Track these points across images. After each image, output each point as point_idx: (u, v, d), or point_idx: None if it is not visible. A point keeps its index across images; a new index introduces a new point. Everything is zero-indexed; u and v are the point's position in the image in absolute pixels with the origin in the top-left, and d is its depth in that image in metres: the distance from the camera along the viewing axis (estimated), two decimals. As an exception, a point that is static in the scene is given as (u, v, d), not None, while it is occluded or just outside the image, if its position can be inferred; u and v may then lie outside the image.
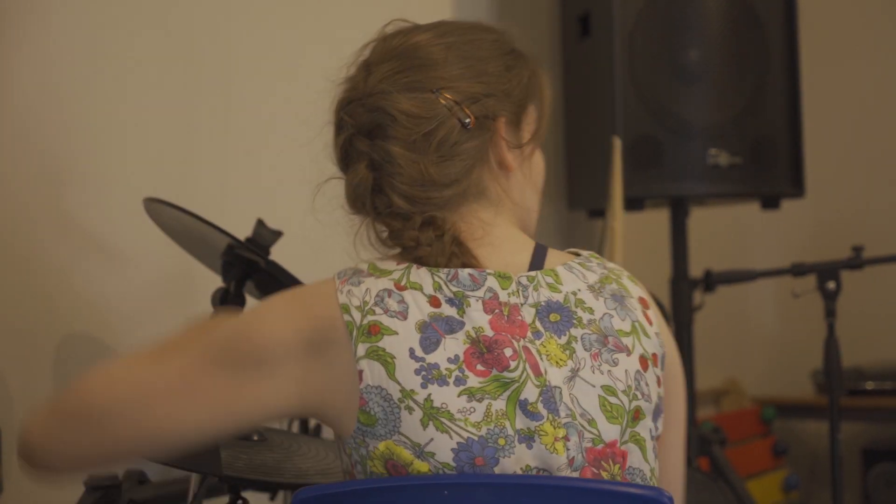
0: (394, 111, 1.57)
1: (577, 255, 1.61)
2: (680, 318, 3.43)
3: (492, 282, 1.51)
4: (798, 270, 3.01)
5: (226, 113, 2.90)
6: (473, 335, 1.48)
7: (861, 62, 4.73)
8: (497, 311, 1.50)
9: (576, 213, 3.81)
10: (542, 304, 1.51)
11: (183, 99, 2.81)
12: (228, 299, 2.19)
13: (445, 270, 1.50)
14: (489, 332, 1.48)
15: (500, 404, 1.46)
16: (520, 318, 1.50)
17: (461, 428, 1.45)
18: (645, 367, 1.53)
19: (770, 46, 3.39)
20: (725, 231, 4.48)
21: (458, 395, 1.45)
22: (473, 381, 1.46)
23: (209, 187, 2.82)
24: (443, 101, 1.56)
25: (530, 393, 1.47)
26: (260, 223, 2.30)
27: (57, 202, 2.55)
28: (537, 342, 1.49)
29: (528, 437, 1.46)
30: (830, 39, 4.63)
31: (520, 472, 1.46)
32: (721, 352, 4.51)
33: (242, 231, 2.24)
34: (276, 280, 2.18)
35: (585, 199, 3.60)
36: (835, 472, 2.88)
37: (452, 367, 1.46)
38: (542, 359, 1.48)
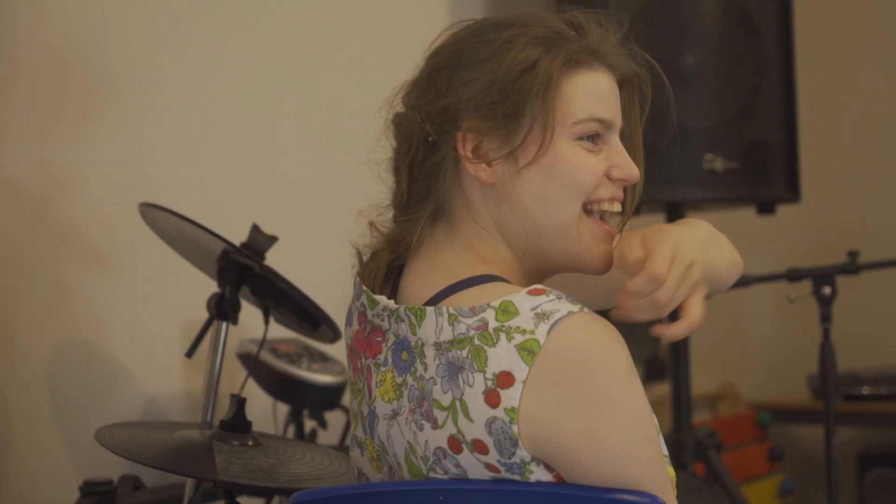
0: (394, 130, 1.57)
1: (543, 293, 1.40)
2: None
3: (364, 298, 1.53)
4: (794, 275, 3.00)
5: (222, 118, 2.90)
6: (351, 336, 1.59)
7: (857, 66, 4.73)
8: (363, 325, 1.54)
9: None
10: (400, 338, 1.47)
11: (179, 104, 2.81)
12: (223, 304, 2.20)
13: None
14: (354, 342, 1.57)
15: (355, 404, 1.55)
16: (378, 339, 1.51)
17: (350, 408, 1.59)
18: (457, 450, 1.39)
19: (766, 51, 3.39)
20: (721, 236, 4.47)
21: (349, 379, 1.60)
22: (351, 374, 1.58)
23: (205, 192, 2.82)
24: (416, 119, 1.51)
25: (364, 408, 1.52)
26: (255, 228, 2.30)
27: (52, 208, 2.55)
28: (382, 369, 1.49)
29: (360, 445, 1.54)
30: (826, 44, 4.63)
31: (356, 472, 1.58)
32: (717, 357, 4.50)
33: (238, 236, 2.24)
34: (272, 285, 2.18)
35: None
36: (830, 477, 2.88)
37: (348, 353, 1.61)
38: (376, 385, 1.49)
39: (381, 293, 1.53)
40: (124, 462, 2.26)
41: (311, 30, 3.15)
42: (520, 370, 1.35)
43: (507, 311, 1.39)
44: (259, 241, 2.27)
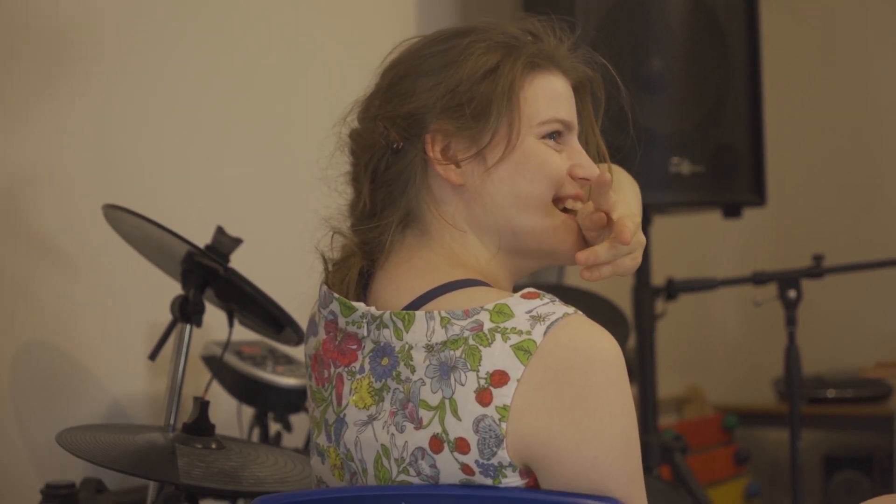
0: (351, 145, 1.60)
1: (537, 296, 1.43)
2: (642, 326, 3.43)
3: (335, 306, 1.54)
4: (759, 279, 3.02)
5: (186, 120, 2.89)
6: (316, 345, 1.59)
7: (823, 71, 4.76)
8: (332, 334, 1.55)
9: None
10: (381, 344, 1.48)
11: (144, 106, 2.79)
12: (187, 307, 2.18)
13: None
14: (321, 350, 1.57)
15: (317, 413, 1.56)
16: (352, 347, 1.52)
17: (310, 416, 1.61)
18: (437, 449, 1.40)
19: (732, 56, 3.40)
20: (687, 239, 4.50)
21: (309, 389, 1.60)
22: (314, 383, 1.59)
23: (169, 194, 2.80)
24: (379, 129, 1.54)
25: (330, 416, 1.53)
26: (219, 230, 2.29)
27: (15, 209, 2.53)
28: (357, 376, 1.50)
29: (321, 454, 1.55)
30: (792, 48, 4.66)
31: (315, 479, 1.60)
32: (683, 360, 4.52)
33: (202, 238, 2.23)
34: (236, 288, 2.17)
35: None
36: (796, 480, 2.90)
37: (309, 363, 1.61)
38: (350, 393, 1.50)
39: (353, 300, 1.54)
40: (87, 465, 2.24)
41: (276, 30, 3.14)
42: (515, 369, 1.37)
43: (501, 312, 1.41)
44: (223, 244, 2.26)
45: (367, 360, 1.49)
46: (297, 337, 2.28)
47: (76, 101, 2.65)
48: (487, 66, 1.51)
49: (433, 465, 1.41)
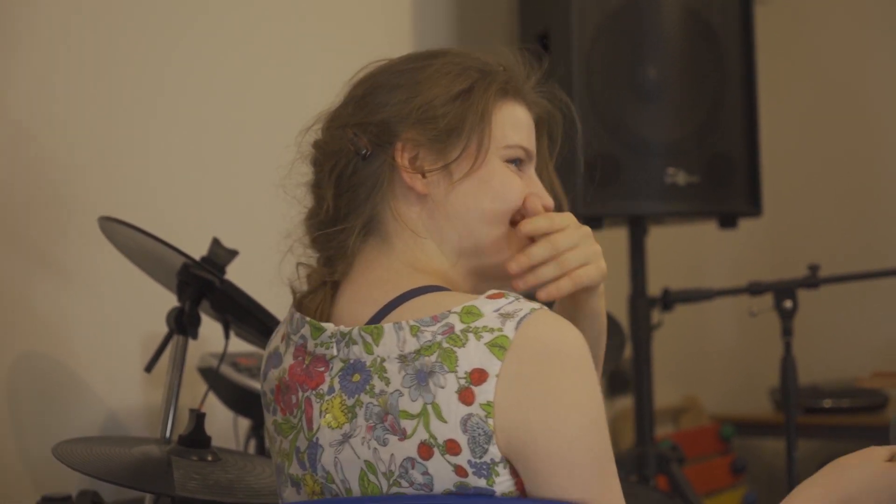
0: (314, 154, 1.63)
1: (502, 296, 1.46)
2: (638, 337, 3.43)
3: (306, 330, 1.56)
4: (755, 289, 3.02)
5: (182, 132, 2.89)
6: (280, 375, 1.59)
7: (818, 81, 4.76)
8: (300, 358, 1.56)
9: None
10: (351, 361, 1.49)
11: (140, 117, 2.79)
12: (183, 319, 2.18)
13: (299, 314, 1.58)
14: (287, 377, 1.57)
15: (286, 444, 1.56)
16: (320, 369, 1.53)
17: (274, 452, 1.60)
18: (427, 455, 1.41)
19: (728, 65, 3.41)
20: (683, 250, 4.50)
21: (272, 424, 1.60)
22: (279, 415, 1.58)
23: (165, 206, 2.80)
24: (348, 135, 1.57)
25: (302, 442, 1.53)
26: (216, 242, 2.29)
27: (12, 221, 2.53)
28: (327, 398, 1.51)
29: (296, 483, 1.56)
30: (788, 57, 4.67)
31: None
32: (679, 370, 4.52)
33: (198, 250, 2.23)
34: (232, 300, 2.17)
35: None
36: (792, 490, 2.89)
37: (271, 397, 1.60)
38: (321, 415, 1.51)
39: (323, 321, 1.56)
40: (83, 477, 2.24)
41: (273, 41, 3.14)
42: (492, 365, 1.39)
43: (470, 313, 1.43)
44: (219, 255, 2.26)
45: (336, 379, 1.50)
46: (294, 348, 2.27)
47: (72, 113, 2.65)
48: (462, 87, 1.56)
49: (425, 472, 1.41)
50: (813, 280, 2.97)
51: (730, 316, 4.75)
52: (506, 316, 1.42)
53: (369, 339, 1.47)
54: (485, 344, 1.40)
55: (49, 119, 2.61)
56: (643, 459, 3.33)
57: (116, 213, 2.18)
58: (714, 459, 4.33)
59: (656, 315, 3.43)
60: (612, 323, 3.03)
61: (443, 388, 1.40)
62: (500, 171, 1.57)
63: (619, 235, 3.63)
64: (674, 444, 3.59)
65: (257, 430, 2.69)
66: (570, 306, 1.65)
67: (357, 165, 1.57)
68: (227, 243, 2.31)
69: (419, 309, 1.47)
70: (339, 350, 1.51)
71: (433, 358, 1.42)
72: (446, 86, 1.56)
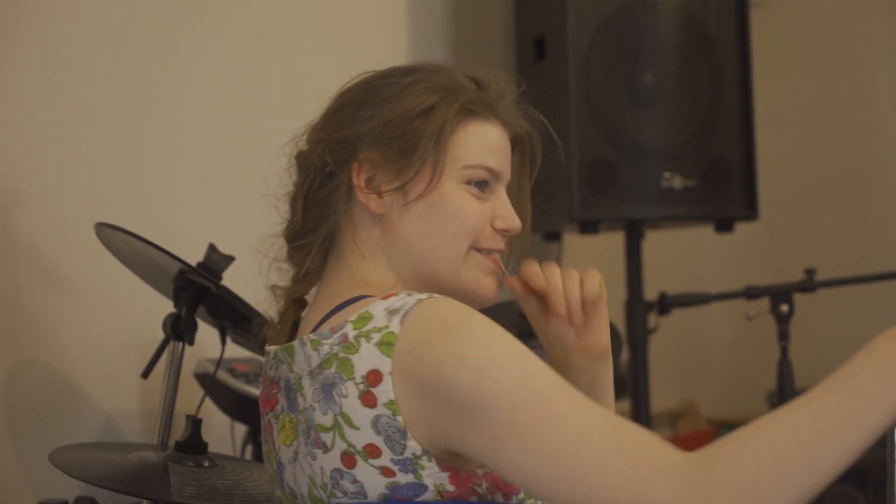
0: (296, 166, 1.64)
1: (394, 294, 1.45)
2: (635, 341, 3.43)
3: (266, 356, 1.59)
4: (752, 293, 3.02)
5: (178, 137, 2.89)
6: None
7: (814, 85, 4.76)
8: (264, 384, 1.59)
9: (531, 236, 3.80)
10: (286, 379, 1.52)
11: (135, 123, 2.79)
12: (180, 325, 2.18)
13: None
14: (259, 406, 1.60)
15: (271, 469, 1.58)
16: (274, 391, 1.55)
17: (269, 480, 1.60)
18: (350, 464, 1.41)
19: (724, 69, 3.41)
20: (680, 254, 4.50)
21: (264, 454, 1.61)
22: (265, 444, 1.60)
23: (161, 212, 2.80)
24: (317, 151, 1.59)
25: (274, 463, 1.55)
26: (212, 248, 2.29)
27: (7, 226, 2.53)
28: (280, 417, 1.53)
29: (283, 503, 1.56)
30: (784, 62, 4.67)
31: None
32: (677, 374, 4.52)
33: (194, 256, 2.23)
34: (228, 305, 2.17)
35: (541, 222, 3.59)
36: (789, 494, 2.89)
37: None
38: (277, 434, 1.53)
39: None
40: (80, 483, 2.24)
41: (270, 48, 3.14)
42: (384, 364, 1.39)
43: (362, 318, 1.43)
44: (215, 261, 2.26)
45: (283, 398, 1.52)
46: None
47: (69, 118, 2.65)
48: (424, 106, 1.55)
49: (354, 480, 1.42)
50: (809, 284, 2.97)
51: (727, 320, 4.75)
52: (392, 312, 1.42)
53: (287, 357, 1.50)
54: (374, 345, 1.40)
55: (46, 125, 2.61)
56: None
57: (113, 218, 2.17)
58: (712, 463, 4.33)
59: (653, 319, 3.42)
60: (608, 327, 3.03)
61: (346, 397, 1.41)
62: (453, 195, 1.56)
63: (616, 239, 3.64)
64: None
65: (254, 436, 2.69)
66: (587, 379, 1.63)
67: (322, 182, 1.58)
68: (224, 249, 2.31)
69: (334, 322, 1.48)
70: (277, 371, 1.53)
71: (332, 370, 1.43)
72: (409, 105, 1.55)
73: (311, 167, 1.59)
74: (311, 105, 2.69)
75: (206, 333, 2.35)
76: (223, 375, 2.56)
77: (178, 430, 2.08)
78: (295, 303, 1.63)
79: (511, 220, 1.61)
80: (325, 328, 1.47)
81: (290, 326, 1.62)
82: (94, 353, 2.66)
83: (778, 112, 4.50)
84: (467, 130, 1.58)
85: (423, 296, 1.43)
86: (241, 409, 2.61)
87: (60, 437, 2.51)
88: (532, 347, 1.40)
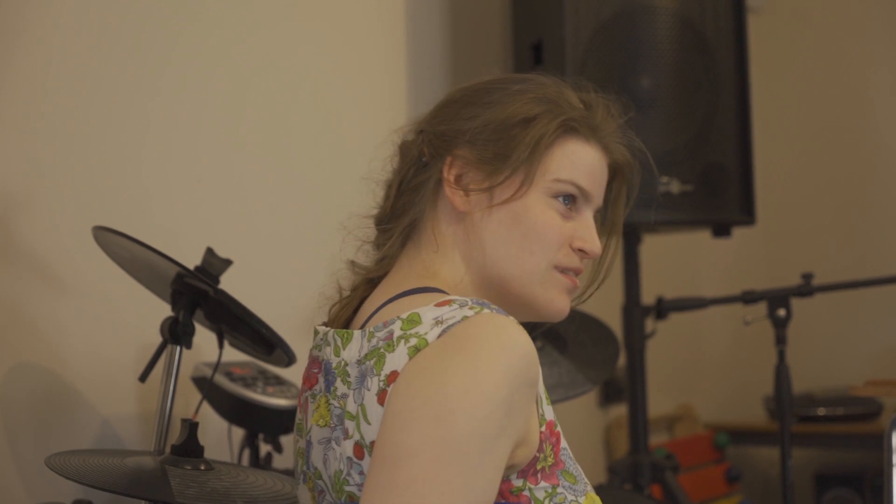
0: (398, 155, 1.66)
1: (448, 303, 1.46)
2: (632, 345, 3.43)
3: (314, 335, 1.61)
4: (749, 298, 3.02)
5: (175, 140, 2.89)
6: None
7: (811, 90, 4.77)
8: (310, 362, 1.61)
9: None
10: (326, 362, 1.54)
11: (133, 126, 2.79)
12: (177, 328, 2.18)
13: None
14: (302, 380, 1.63)
15: (302, 443, 1.59)
16: (314, 370, 1.57)
17: (295, 453, 1.64)
18: (360, 456, 1.44)
19: (721, 74, 3.41)
20: (677, 258, 4.50)
21: (296, 423, 1.64)
22: (299, 414, 1.63)
23: (158, 216, 2.80)
24: (417, 141, 1.61)
25: (303, 442, 1.58)
26: (209, 252, 2.29)
27: (5, 230, 2.53)
28: (318, 396, 1.55)
29: (306, 479, 1.59)
30: (781, 67, 4.67)
31: None
32: (674, 378, 4.52)
33: (192, 260, 2.23)
34: (226, 309, 2.17)
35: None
36: (787, 498, 2.89)
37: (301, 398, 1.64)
38: (312, 414, 1.55)
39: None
40: (77, 487, 2.24)
41: (266, 50, 3.14)
42: (402, 364, 1.41)
43: (412, 321, 1.44)
44: (213, 265, 2.26)
45: (322, 378, 1.54)
46: (288, 358, 2.28)
47: (66, 122, 2.65)
48: (526, 115, 1.57)
49: (361, 472, 1.44)
50: (806, 288, 2.98)
51: (724, 324, 4.75)
52: (438, 323, 1.42)
53: (339, 342, 1.51)
54: (407, 347, 1.41)
55: (43, 130, 2.61)
56: (637, 468, 3.33)
57: (110, 222, 2.17)
58: (708, 468, 4.34)
59: (650, 324, 3.43)
60: (605, 332, 3.03)
61: (369, 390, 1.43)
62: (537, 208, 1.56)
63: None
64: (668, 452, 3.59)
65: (251, 440, 2.69)
66: None
67: (416, 171, 1.60)
68: (222, 252, 2.31)
69: (393, 311, 1.50)
70: (322, 351, 1.56)
71: (371, 362, 1.45)
72: (512, 111, 1.56)
73: (410, 156, 1.62)
74: (308, 107, 2.69)
75: (204, 337, 2.35)
76: (220, 379, 2.56)
77: (176, 434, 2.08)
78: (368, 282, 1.65)
79: (591, 242, 1.60)
80: (379, 320, 1.49)
81: (357, 304, 1.63)
82: (91, 357, 2.66)
83: (775, 117, 4.51)
84: (565, 147, 1.58)
85: (471, 312, 1.42)
86: (239, 412, 2.60)
87: (57, 441, 2.51)
88: (538, 349, 1.40)
